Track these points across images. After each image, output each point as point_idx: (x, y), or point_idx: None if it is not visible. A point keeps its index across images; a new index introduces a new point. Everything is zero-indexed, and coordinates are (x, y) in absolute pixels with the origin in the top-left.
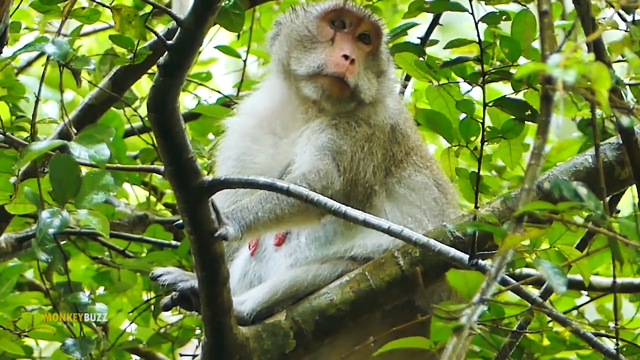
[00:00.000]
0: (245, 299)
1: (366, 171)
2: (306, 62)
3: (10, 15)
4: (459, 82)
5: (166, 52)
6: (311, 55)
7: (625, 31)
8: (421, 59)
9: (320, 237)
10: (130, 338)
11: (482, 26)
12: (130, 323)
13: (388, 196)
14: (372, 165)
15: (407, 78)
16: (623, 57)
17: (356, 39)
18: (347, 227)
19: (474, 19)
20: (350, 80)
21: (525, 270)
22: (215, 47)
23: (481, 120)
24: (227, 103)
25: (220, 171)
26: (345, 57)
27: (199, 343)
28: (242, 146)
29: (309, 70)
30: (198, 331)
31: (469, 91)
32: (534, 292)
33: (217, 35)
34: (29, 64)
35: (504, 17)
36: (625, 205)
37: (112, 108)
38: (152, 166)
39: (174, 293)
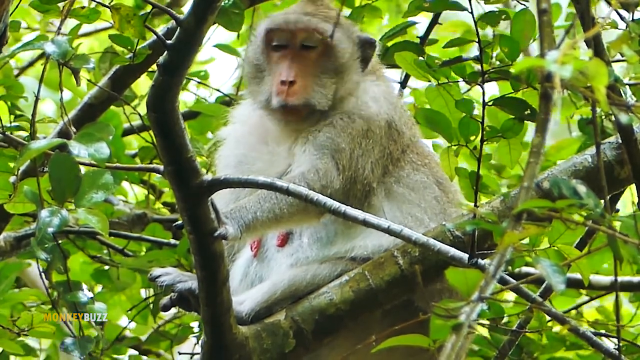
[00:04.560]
0: (244, 299)
1: (364, 168)
2: (258, 96)
3: (10, 15)
4: (458, 82)
5: (166, 52)
6: (260, 88)
7: (625, 30)
8: (421, 58)
9: (322, 238)
10: (127, 333)
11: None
12: (130, 322)
13: (387, 195)
14: (369, 161)
15: (407, 77)
16: (622, 56)
17: (300, 50)
18: (348, 226)
19: (474, 18)
20: (296, 103)
21: (525, 269)
22: (214, 46)
23: (480, 120)
24: (226, 102)
25: None
26: (283, 82)
27: (198, 341)
28: (239, 154)
29: (262, 105)
30: (196, 329)
31: (468, 90)
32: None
33: (215, 34)
34: (31, 64)
35: (503, 16)
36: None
37: (111, 107)
38: (152, 166)
39: (172, 294)
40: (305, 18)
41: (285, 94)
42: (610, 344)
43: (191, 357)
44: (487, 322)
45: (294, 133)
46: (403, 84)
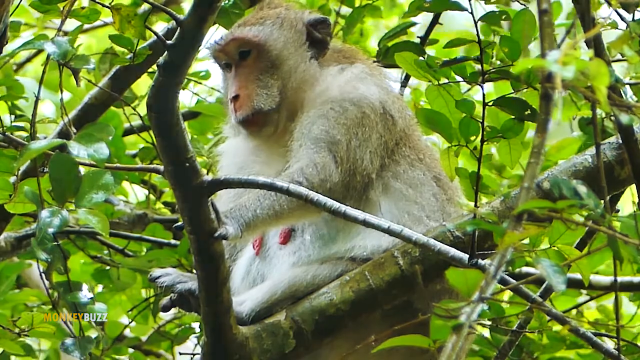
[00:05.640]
0: (244, 299)
1: (363, 159)
2: (229, 121)
3: (10, 15)
4: (459, 82)
5: (166, 52)
6: (227, 111)
7: (625, 30)
8: (421, 58)
9: (324, 235)
10: (128, 332)
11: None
12: (130, 322)
13: (384, 191)
14: (368, 151)
15: (407, 77)
16: (623, 56)
17: (240, 61)
18: (349, 224)
19: (474, 18)
20: (245, 114)
21: (525, 269)
22: None
23: (480, 120)
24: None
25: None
26: (231, 100)
27: (198, 342)
28: (238, 162)
29: (232, 127)
30: (197, 329)
31: (468, 90)
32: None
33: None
34: (29, 59)
35: (503, 17)
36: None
37: (111, 107)
38: (152, 166)
39: (172, 294)
40: (231, 31)
41: (234, 110)
42: (610, 343)
43: (192, 358)
44: (488, 322)
45: (284, 131)
46: (403, 84)
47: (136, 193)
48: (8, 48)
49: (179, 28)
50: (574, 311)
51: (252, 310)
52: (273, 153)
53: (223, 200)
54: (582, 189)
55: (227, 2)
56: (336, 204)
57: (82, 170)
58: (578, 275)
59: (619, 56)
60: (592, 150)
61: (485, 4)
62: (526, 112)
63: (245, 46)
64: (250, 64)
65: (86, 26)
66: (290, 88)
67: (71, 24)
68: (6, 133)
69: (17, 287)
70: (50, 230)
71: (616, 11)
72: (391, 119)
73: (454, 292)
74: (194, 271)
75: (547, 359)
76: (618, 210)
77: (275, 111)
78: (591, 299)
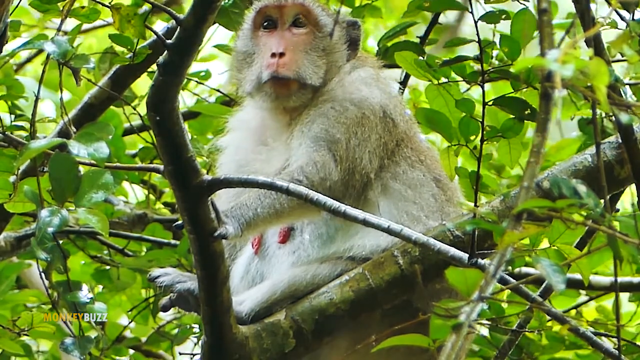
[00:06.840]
0: (244, 299)
1: (362, 158)
2: (249, 78)
3: (10, 14)
4: (458, 81)
5: (166, 51)
6: (250, 70)
7: (625, 29)
8: (421, 57)
9: (323, 234)
10: (128, 333)
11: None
12: (130, 322)
13: (383, 191)
14: (367, 151)
15: (407, 77)
16: (622, 56)
17: (290, 29)
18: (348, 223)
19: (474, 18)
20: (286, 74)
21: (525, 269)
22: (214, 46)
23: (480, 120)
24: (226, 102)
25: None
26: (273, 54)
27: (198, 342)
28: (238, 159)
29: (253, 85)
30: (197, 329)
31: (468, 89)
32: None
33: (216, 34)
34: (29, 60)
35: (503, 16)
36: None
37: (111, 107)
38: (152, 165)
39: (171, 294)
40: None
41: (276, 64)
42: (609, 343)
43: (192, 358)
44: (487, 322)
45: (290, 120)
46: (403, 84)
47: (136, 193)
48: (8, 48)
49: (179, 28)
50: (573, 311)
51: (251, 310)
52: (272, 148)
53: (223, 199)
54: (582, 188)
55: (227, 2)
56: (336, 204)
57: (82, 169)
58: (578, 275)
59: (619, 56)
60: (592, 149)
61: (485, 3)
62: (526, 112)
63: (305, 17)
64: (301, 34)
65: (86, 26)
66: (327, 78)
67: (71, 23)
68: (6, 132)
69: (17, 288)
70: (50, 229)
71: (616, 11)
72: (392, 121)
73: (453, 291)
74: (194, 271)
75: (546, 359)
76: (618, 210)
77: (311, 89)
78: (591, 299)
